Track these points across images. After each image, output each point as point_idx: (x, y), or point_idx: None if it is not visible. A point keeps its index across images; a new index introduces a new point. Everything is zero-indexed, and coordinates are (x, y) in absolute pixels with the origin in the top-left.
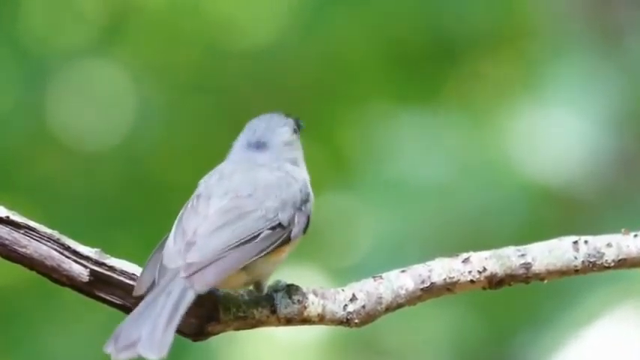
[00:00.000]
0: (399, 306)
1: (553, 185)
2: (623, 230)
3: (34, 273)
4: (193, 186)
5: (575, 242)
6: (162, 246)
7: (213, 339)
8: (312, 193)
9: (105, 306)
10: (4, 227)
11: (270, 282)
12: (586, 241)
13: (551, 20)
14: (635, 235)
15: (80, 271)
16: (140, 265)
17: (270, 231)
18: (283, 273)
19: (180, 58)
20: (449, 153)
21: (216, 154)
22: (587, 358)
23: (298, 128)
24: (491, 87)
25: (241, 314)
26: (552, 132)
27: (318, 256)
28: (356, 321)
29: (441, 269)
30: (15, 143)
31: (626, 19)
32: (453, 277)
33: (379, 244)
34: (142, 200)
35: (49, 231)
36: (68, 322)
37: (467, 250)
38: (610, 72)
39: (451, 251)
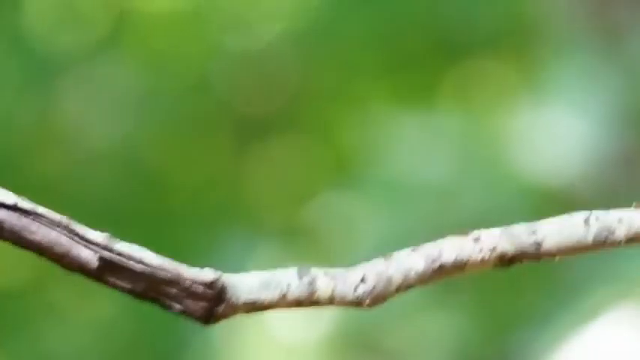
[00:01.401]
0: (410, 287)
1: (553, 185)
2: (634, 204)
3: (30, 270)
4: (194, 186)
5: (587, 219)
6: None
7: (211, 339)
8: None
9: (103, 306)
10: (12, 213)
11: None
12: (597, 218)
13: (551, 20)
14: None
15: (89, 257)
16: (150, 250)
17: None
18: None
19: (183, 57)
20: (449, 153)
21: (216, 155)
22: (586, 357)
23: None
24: (492, 87)
25: (251, 297)
26: (553, 132)
27: (318, 256)
28: (367, 302)
29: (452, 249)
30: (17, 142)
31: (626, 19)
32: (464, 257)
33: (379, 244)
34: (143, 200)
35: (57, 217)
36: (66, 320)
37: (476, 224)
38: (610, 72)
39: None
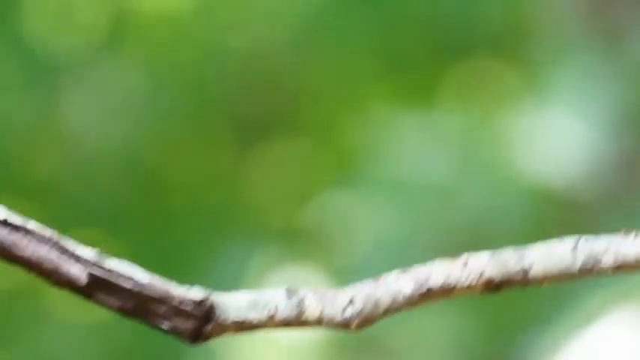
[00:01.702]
0: (397, 310)
1: (553, 186)
2: (622, 231)
3: (25, 273)
4: (194, 186)
5: (575, 247)
6: None
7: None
8: None
9: (100, 309)
10: (3, 229)
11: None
12: (585, 243)
13: (551, 20)
14: (636, 236)
15: (79, 274)
16: (141, 267)
17: None
18: (284, 273)
19: (183, 57)
20: (449, 153)
21: (217, 155)
22: (587, 359)
23: None
24: (492, 87)
25: (239, 317)
26: (553, 132)
27: (318, 256)
28: (355, 324)
29: (440, 273)
30: (17, 143)
31: (626, 19)
32: (451, 282)
33: (380, 244)
34: (143, 201)
35: (47, 233)
36: (63, 323)
37: (467, 250)
38: (610, 73)
39: (452, 251)
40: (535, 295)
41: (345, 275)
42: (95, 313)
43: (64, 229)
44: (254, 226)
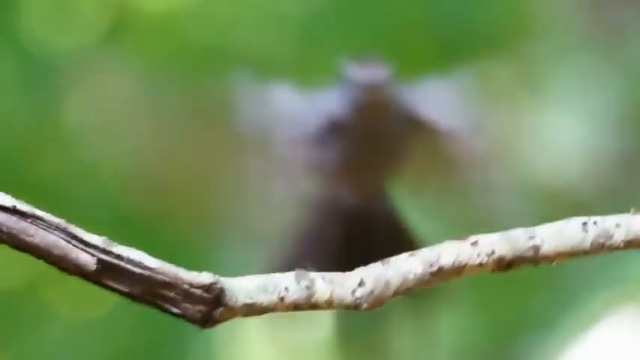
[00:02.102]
0: (408, 290)
1: (553, 185)
2: (632, 210)
3: (27, 270)
4: (194, 190)
5: (584, 223)
6: None
7: (212, 340)
8: None
9: (102, 307)
10: (11, 217)
11: None
12: (595, 222)
13: (551, 20)
14: None
15: (87, 260)
16: (151, 250)
17: None
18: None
19: (182, 58)
20: None
21: (217, 157)
22: None
23: None
24: (492, 87)
25: (249, 300)
26: (552, 132)
27: None
28: (365, 306)
29: (450, 253)
30: (17, 143)
31: (626, 19)
32: (462, 261)
33: None
34: (144, 200)
35: (56, 220)
36: (64, 321)
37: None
38: (610, 72)
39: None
40: (536, 296)
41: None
42: (97, 311)
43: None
44: (254, 227)
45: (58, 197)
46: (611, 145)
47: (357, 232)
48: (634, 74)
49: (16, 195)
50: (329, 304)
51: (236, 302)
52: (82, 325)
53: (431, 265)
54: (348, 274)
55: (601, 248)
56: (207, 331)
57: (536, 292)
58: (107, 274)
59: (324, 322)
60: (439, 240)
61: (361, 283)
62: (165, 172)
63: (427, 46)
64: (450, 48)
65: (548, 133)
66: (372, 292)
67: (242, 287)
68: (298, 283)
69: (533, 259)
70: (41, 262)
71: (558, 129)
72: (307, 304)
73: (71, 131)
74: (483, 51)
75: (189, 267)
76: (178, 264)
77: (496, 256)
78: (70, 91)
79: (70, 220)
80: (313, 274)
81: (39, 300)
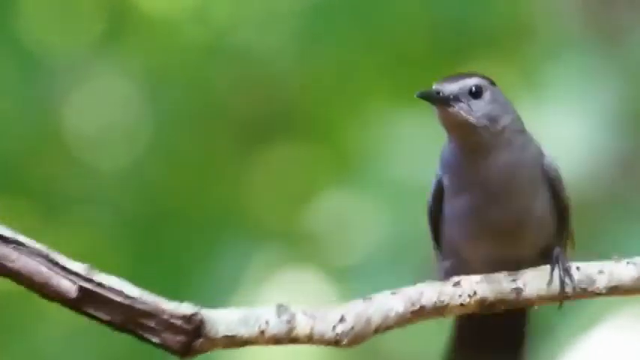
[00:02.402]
0: (389, 328)
1: None
2: (614, 257)
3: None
4: (194, 191)
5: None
6: None
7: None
8: None
9: None
10: None
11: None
12: (578, 268)
13: (551, 20)
14: (628, 263)
15: (68, 287)
16: (130, 282)
17: None
18: (283, 273)
19: (182, 58)
20: None
21: (217, 158)
22: None
23: None
24: None
25: (229, 333)
26: (552, 132)
27: (318, 257)
28: (345, 342)
29: (431, 292)
30: (16, 145)
31: (626, 19)
32: (444, 301)
33: (379, 244)
34: (144, 201)
35: (37, 246)
36: (63, 323)
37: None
38: (610, 72)
39: None
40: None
41: (345, 275)
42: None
43: (63, 229)
44: (254, 227)
45: (57, 197)
46: (611, 144)
47: None
48: (634, 74)
49: (15, 195)
50: (309, 339)
51: (216, 334)
52: (79, 329)
53: (412, 304)
54: (329, 308)
55: (583, 294)
56: None
57: None
58: (88, 301)
59: None
60: None
61: (342, 319)
62: (165, 171)
63: (427, 46)
64: (450, 48)
65: (548, 132)
66: (352, 328)
67: (223, 319)
68: (279, 316)
69: (515, 302)
70: None
71: (558, 128)
72: (287, 339)
73: (71, 132)
74: (483, 51)
75: (187, 269)
76: (176, 264)
77: (478, 297)
78: (70, 91)
79: (68, 219)
80: (294, 308)
81: (36, 303)
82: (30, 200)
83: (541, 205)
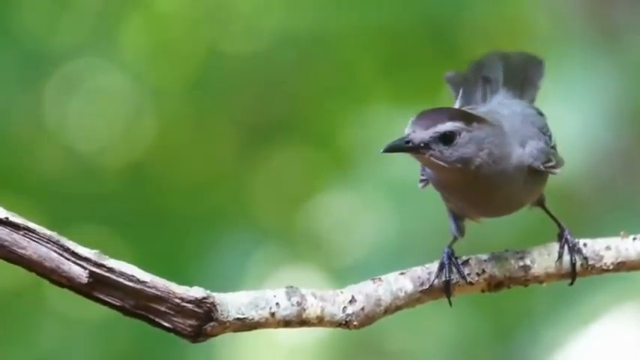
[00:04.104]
0: (398, 308)
1: (552, 183)
2: (621, 233)
3: (29, 273)
4: (192, 186)
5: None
6: None
7: (213, 340)
8: None
9: (103, 307)
10: (3, 228)
11: None
12: (585, 244)
13: (550, 19)
14: (634, 238)
15: (79, 273)
16: (142, 266)
17: None
18: (283, 273)
19: (180, 58)
20: None
21: (216, 156)
22: (587, 357)
23: None
24: None
25: (240, 316)
26: (551, 129)
27: (318, 256)
28: (355, 323)
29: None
30: (14, 142)
31: (626, 19)
32: (452, 280)
33: (379, 244)
34: (145, 201)
35: (48, 232)
36: (65, 321)
37: (467, 248)
38: (610, 71)
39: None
40: (536, 293)
41: (345, 275)
42: (97, 311)
43: (65, 228)
44: (254, 227)
45: (58, 195)
46: (610, 141)
47: None
48: (633, 72)
49: (14, 194)
50: (319, 321)
51: (227, 317)
52: (82, 325)
53: (422, 284)
54: (339, 290)
55: (590, 270)
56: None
57: (538, 287)
58: (99, 287)
59: None
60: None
61: (352, 300)
62: (166, 170)
63: (427, 46)
64: (450, 48)
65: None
66: (362, 309)
67: (233, 302)
68: (289, 299)
69: (523, 280)
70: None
71: (557, 127)
72: (298, 321)
73: (71, 131)
74: (483, 50)
75: (187, 268)
76: (177, 264)
77: (486, 275)
78: (69, 91)
79: (69, 218)
80: (304, 291)
81: (40, 300)
82: (30, 200)
83: (529, 189)
